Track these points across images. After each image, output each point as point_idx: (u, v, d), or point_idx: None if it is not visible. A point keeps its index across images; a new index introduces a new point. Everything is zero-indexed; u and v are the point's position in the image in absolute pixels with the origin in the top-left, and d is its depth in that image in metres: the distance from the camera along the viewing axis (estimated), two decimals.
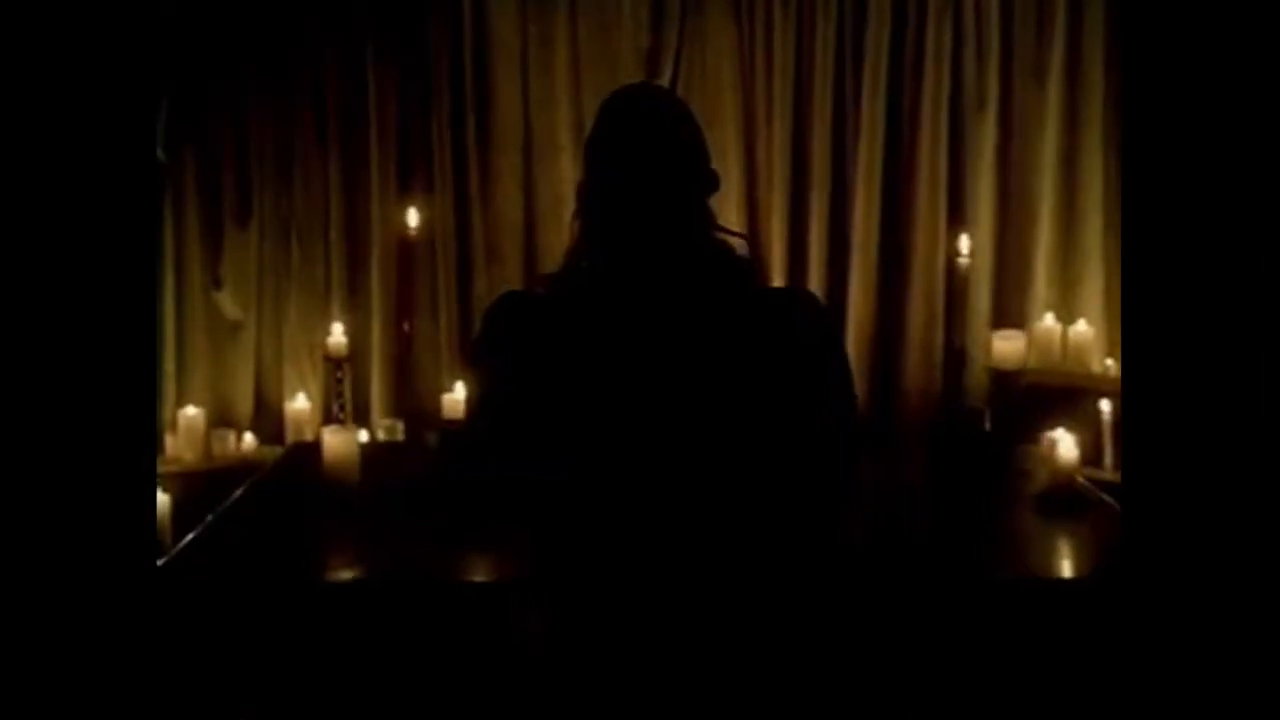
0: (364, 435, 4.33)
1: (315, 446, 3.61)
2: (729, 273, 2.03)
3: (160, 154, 4.87)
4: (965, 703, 2.86)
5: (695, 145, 2.06)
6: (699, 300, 1.98)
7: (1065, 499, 3.33)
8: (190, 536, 3.16)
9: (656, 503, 1.95)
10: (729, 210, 4.66)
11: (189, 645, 2.77)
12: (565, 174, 5.09)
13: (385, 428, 4.98)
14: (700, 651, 1.96)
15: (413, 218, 4.86)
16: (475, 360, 2.08)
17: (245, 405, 5.20)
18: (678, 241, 2.00)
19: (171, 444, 4.94)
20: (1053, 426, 3.66)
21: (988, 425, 3.45)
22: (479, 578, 2.94)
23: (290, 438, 4.99)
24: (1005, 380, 3.93)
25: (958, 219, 5.05)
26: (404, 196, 5.07)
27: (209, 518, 3.29)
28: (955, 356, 4.84)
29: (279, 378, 5.21)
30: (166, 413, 4.98)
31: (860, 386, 2.09)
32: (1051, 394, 4.57)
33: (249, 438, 5.07)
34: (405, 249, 4.99)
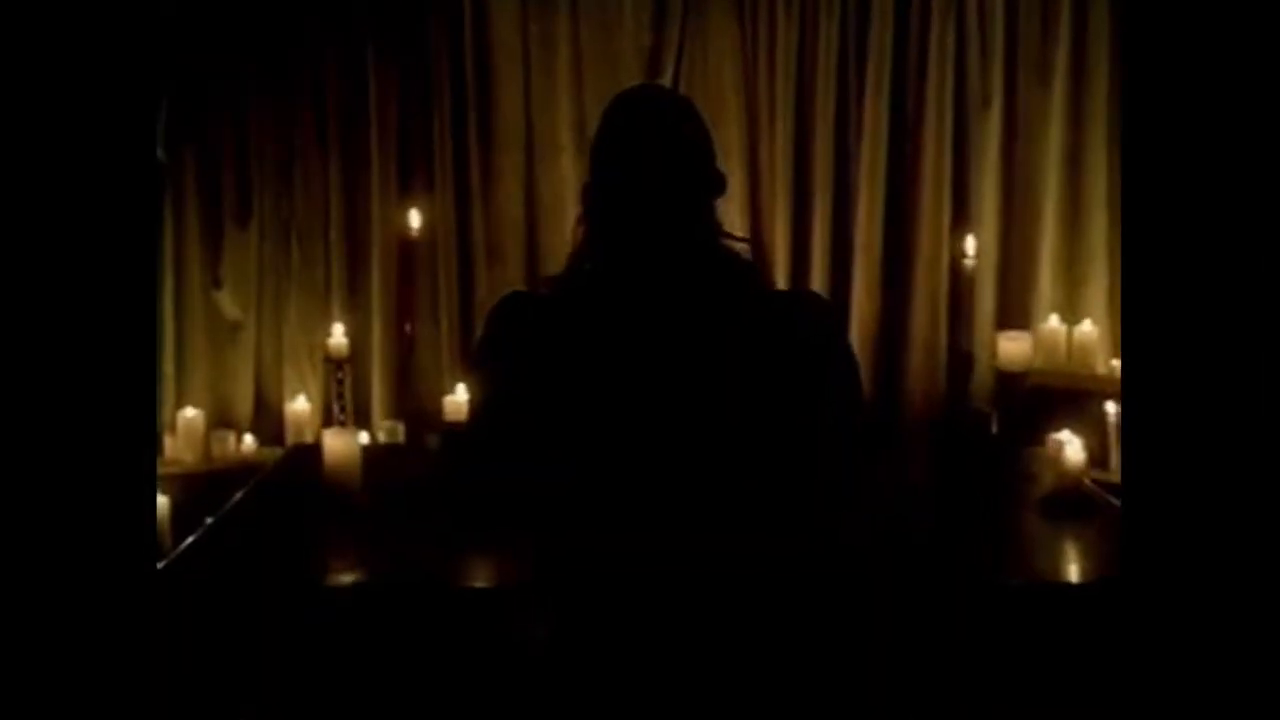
0: (364, 437, 4.31)
1: (316, 448, 3.61)
2: (732, 274, 2.02)
3: (160, 154, 4.87)
4: (967, 707, 2.86)
5: (699, 146, 2.05)
6: (701, 302, 1.97)
7: (1072, 502, 3.30)
8: (190, 539, 3.16)
9: (659, 504, 1.94)
10: (731, 211, 4.64)
11: (189, 649, 2.76)
12: (566, 173, 5.08)
13: (386, 429, 4.98)
14: (701, 654, 1.95)
15: (415, 219, 4.84)
16: (478, 362, 2.08)
17: (245, 406, 5.19)
18: (680, 243, 2.00)
19: (171, 445, 4.93)
20: (1058, 428, 3.64)
21: (994, 428, 3.42)
22: (481, 582, 2.94)
23: (290, 439, 4.99)
24: (1011, 382, 3.90)
25: (962, 219, 5.04)
26: (405, 197, 5.06)
27: (209, 520, 3.29)
28: (961, 358, 4.82)
29: (279, 379, 5.20)
30: (166, 414, 4.97)
31: (864, 387, 2.08)
32: (1056, 395, 4.55)
33: (249, 439, 5.06)
34: (406, 250, 4.98)
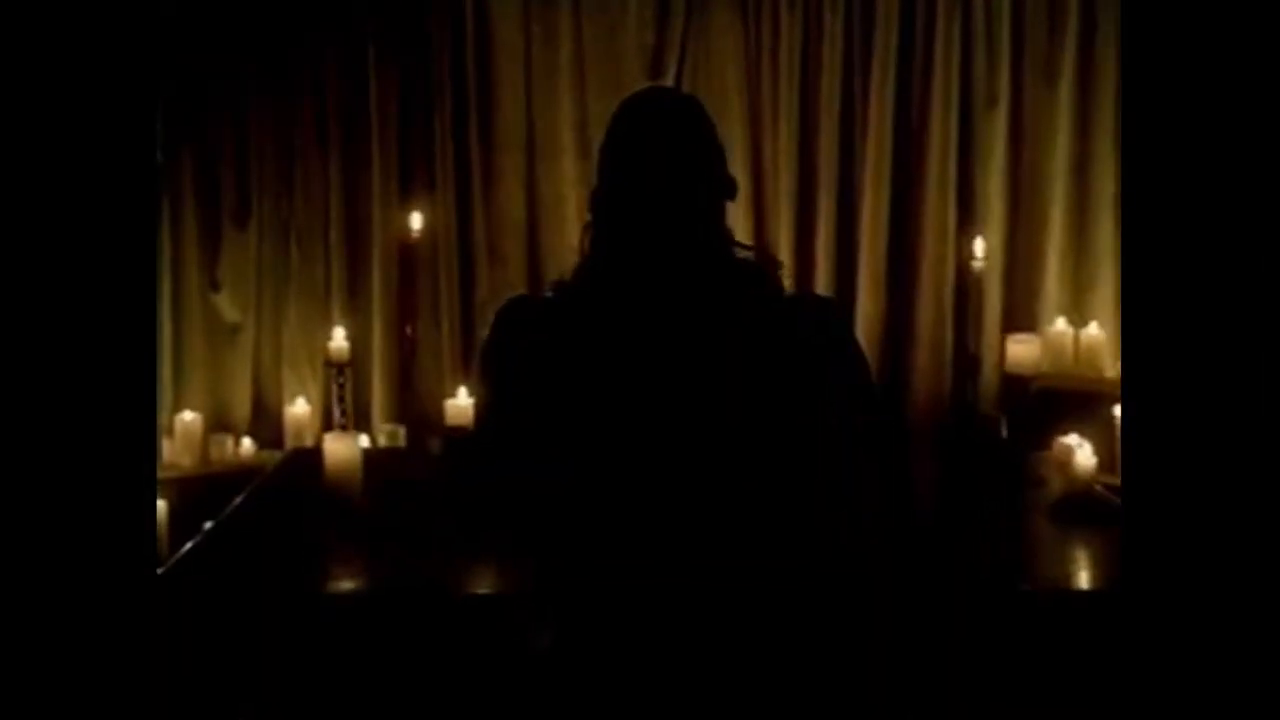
0: (364, 441, 4.29)
1: (315, 452, 3.62)
2: (738, 278, 2.01)
3: (158, 155, 4.83)
4: (974, 713, 2.84)
5: (707, 150, 2.04)
6: (704, 306, 1.97)
7: (1082, 507, 3.27)
8: (189, 545, 3.14)
9: (661, 506, 1.94)
10: (734, 212, 4.57)
11: (187, 657, 2.74)
12: (568, 174, 5.09)
13: (386, 433, 4.96)
14: (702, 660, 1.95)
15: (416, 221, 4.81)
16: (483, 366, 2.07)
17: (243, 409, 5.18)
18: (687, 248, 1.99)
19: (169, 449, 4.91)
20: (1065, 432, 3.62)
21: (1004, 432, 3.40)
22: (484, 589, 2.92)
23: (289, 443, 4.97)
24: (1019, 385, 3.88)
25: (967, 220, 5.03)
26: (406, 199, 5.05)
27: (207, 525, 3.29)
28: (970, 362, 4.80)
29: (278, 381, 5.20)
30: (163, 417, 4.95)
31: (874, 389, 2.08)
32: (1063, 399, 4.51)
33: (247, 443, 5.05)
34: (407, 251, 4.96)
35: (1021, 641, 2.85)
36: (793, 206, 5.08)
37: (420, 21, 5.08)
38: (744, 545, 1.96)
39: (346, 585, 2.99)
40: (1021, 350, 4.05)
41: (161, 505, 4.10)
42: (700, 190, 2.01)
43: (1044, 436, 3.84)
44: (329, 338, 4.66)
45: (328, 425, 4.82)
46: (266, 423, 5.16)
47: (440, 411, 4.08)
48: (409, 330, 5.00)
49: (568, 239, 4.92)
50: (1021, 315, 5.06)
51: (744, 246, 2.07)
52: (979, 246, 4.55)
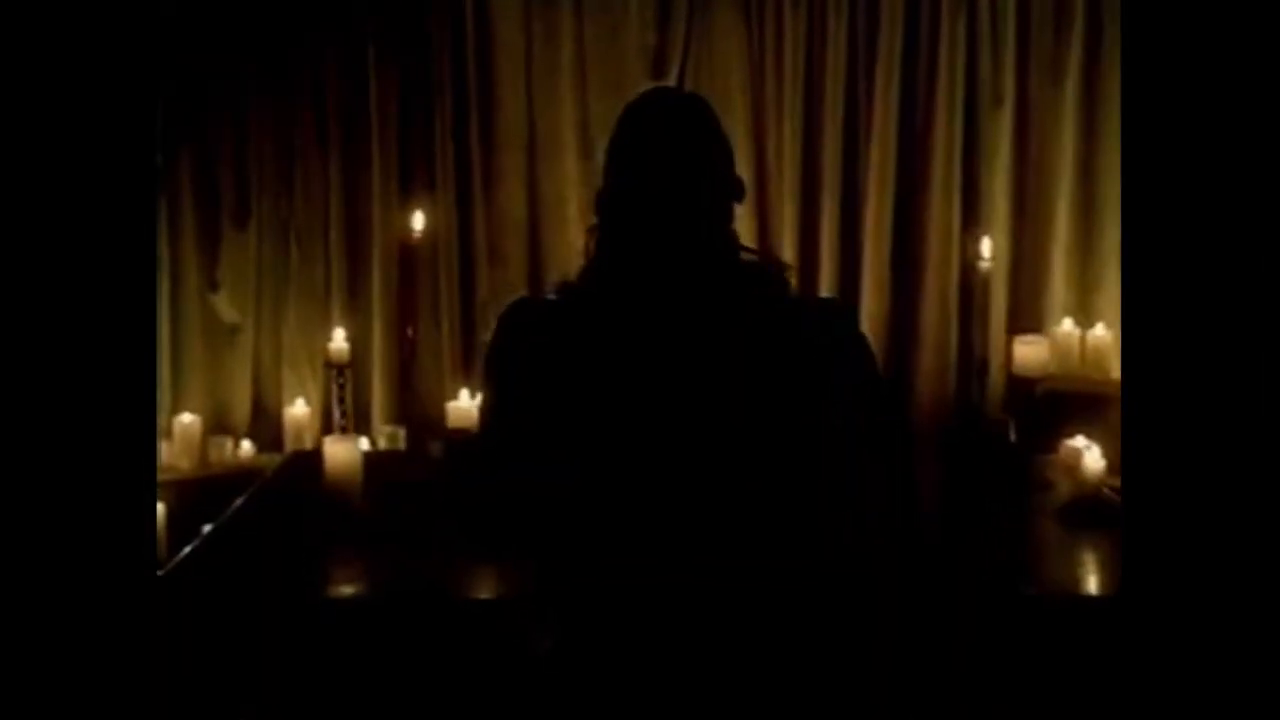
0: (364, 443, 4.27)
1: (315, 455, 3.61)
2: (745, 280, 2.00)
3: (158, 156, 4.82)
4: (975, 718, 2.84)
5: (714, 152, 2.03)
6: (708, 307, 1.96)
7: (1091, 511, 3.25)
8: (188, 549, 3.15)
9: (664, 507, 1.93)
10: (738, 213, 4.59)
11: (186, 663, 2.73)
12: (570, 173, 5.07)
13: (386, 435, 4.95)
14: (706, 660, 1.94)
15: (418, 221, 4.80)
16: (487, 369, 2.05)
17: (243, 411, 5.16)
18: (692, 250, 1.98)
19: (167, 451, 4.88)
20: (1071, 435, 3.59)
21: (1012, 435, 3.37)
22: (485, 593, 2.92)
23: (289, 444, 4.95)
24: (1026, 387, 3.86)
25: (972, 220, 5.02)
26: (407, 199, 5.03)
27: (206, 529, 3.30)
28: (977, 364, 4.79)
29: (277, 383, 5.17)
30: (162, 419, 4.91)
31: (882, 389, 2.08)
32: (1069, 401, 4.48)
33: (246, 445, 5.03)
34: (407, 252, 4.95)
35: (1028, 647, 2.83)
36: (796, 208, 5.06)
37: (420, 21, 5.06)
38: (748, 546, 1.94)
39: (347, 589, 2.99)
40: (1029, 352, 4.03)
41: (160, 508, 4.06)
42: (706, 192, 2.00)
43: (1050, 439, 3.81)
44: (329, 339, 4.67)
45: (327, 427, 4.80)
46: (266, 424, 5.13)
47: (441, 413, 4.08)
48: (410, 331, 4.98)
49: (569, 239, 4.93)
50: (1027, 316, 5.04)
51: (750, 250, 2.05)
52: (986, 247, 4.53)
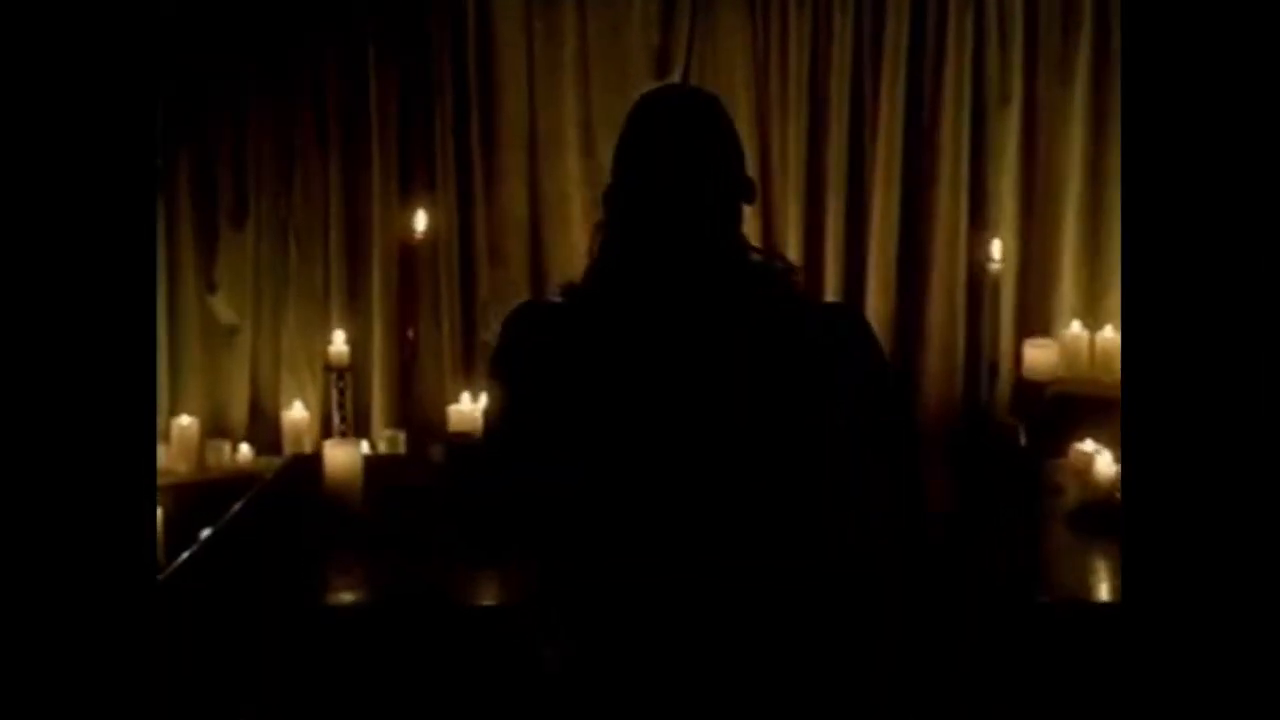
0: (364, 447, 4.24)
1: (315, 459, 3.58)
2: (747, 280, 1.99)
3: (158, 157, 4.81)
4: None
5: (720, 150, 2.02)
6: (713, 308, 1.96)
7: (1103, 516, 3.21)
8: (186, 554, 3.13)
9: (669, 507, 1.93)
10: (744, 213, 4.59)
11: (184, 672, 2.70)
12: (572, 172, 5.07)
13: (386, 439, 4.95)
14: (712, 660, 1.94)
15: (420, 221, 4.77)
16: (493, 373, 2.04)
17: (241, 414, 5.15)
18: (699, 250, 1.97)
19: (164, 454, 4.86)
20: (1080, 438, 3.56)
21: (1022, 439, 3.35)
22: (488, 599, 2.91)
23: (287, 448, 4.94)
24: (1036, 391, 3.83)
25: (979, 220, 5.02)
26: (407, 199, 5.01)
27: (205, 533, 3.27)
28: (987, 368, 4.77)
29: (276, 385, 5.16)
30: (159, 421, 4.90)
31: (890, 390, 2.09)
32: (1078, 404, 4.46)
33: (244, 448, 5.02)
34: (407, 252, 4.94)
35: (1038, 654, 2.81)
36: (801, 207, 5.05)
37: (420, 21, 5.06)
38: (752, 545, 1.94)
39: (346, 594, 2.98)
40: (1039, 355, 4.00)
41: (157, 512, 4.06)
42: (712, 192, 1.98)
43: (1059, 443, 3.78)
44: (328, 341, 4.63)
45: (326, 430, 4.79)
46: (264, 428, 5.12)
47: (442, 417, 4.06)
48: (410, 333, 4.96)
49: (571, 238, 4.93)
50: (1034, 318, 5.04)
51: (758, 250, 2.04)
52: (996, 248, 4.50)
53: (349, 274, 5.12)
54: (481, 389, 3.44)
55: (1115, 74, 4.93)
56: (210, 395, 5.10)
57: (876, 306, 5.02)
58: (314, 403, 5.08)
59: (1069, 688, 2.77)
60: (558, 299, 2.02)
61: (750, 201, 2.02)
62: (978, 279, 4.85)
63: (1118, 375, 4.76)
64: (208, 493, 4.39)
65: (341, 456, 3.34)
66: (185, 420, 4.92)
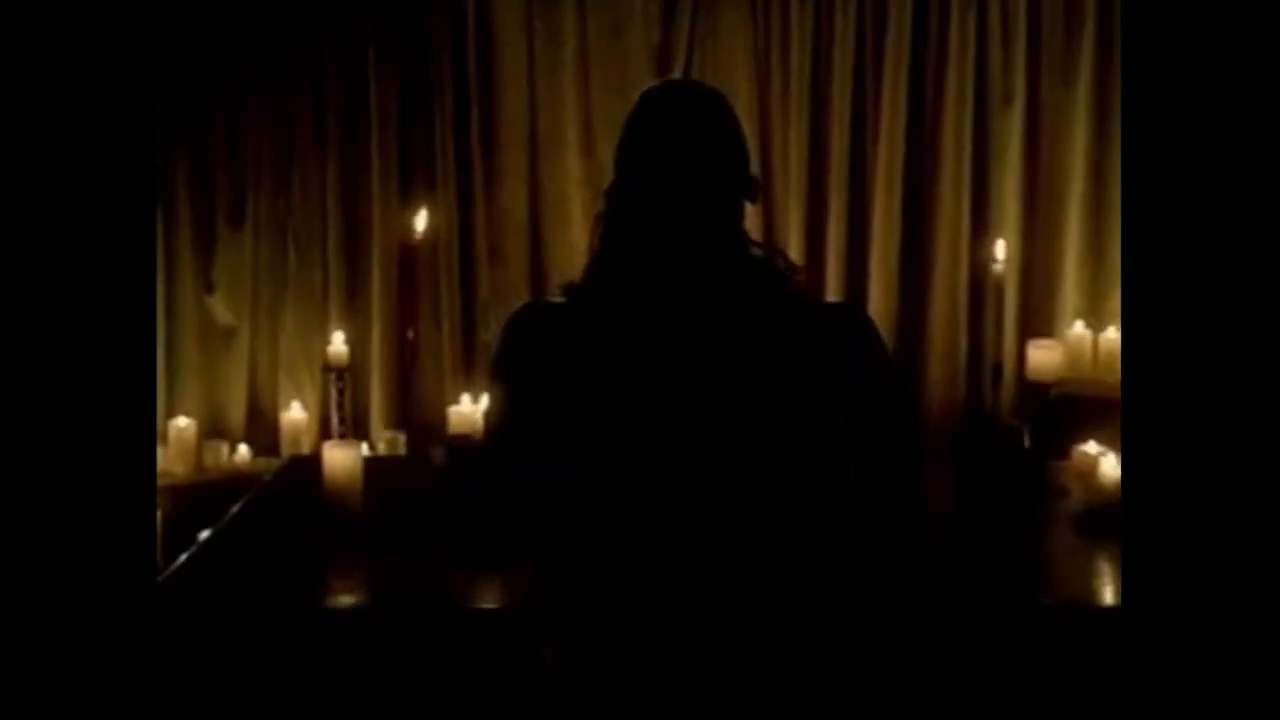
0: (364, 448, 4.23)
1: (314, 460, 3.57)
2: (748, 279, 1.98)
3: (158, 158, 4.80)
4: None
5: (724, 147, 1.99)
6: (714, 307, 1.95)
7: (1109, 519, 3.19)
8: (184, 556, 3.10)
9: (670, 507, 1.92)
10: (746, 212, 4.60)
11: (182, 676, 2.68)
12: (572, 172, 5.07)
13: (386, 440, 4.95)
14: (713, 660, 1.93)
15: (420, 221, 4.75)
16: (494, 375, 2.04)
17: (239, 415, 5.14)
18: (697, 247, 1.96)
19: (162, 456, 4.86)
20: (1084, 440, 3.54)
21: (1025, 441, 3.33)
22: (489, 602, 2.89)
23: (286, 450, 4.93)
24: (1039, 392, 3.81)
25: (982, 221, 5.02)
26: (407, 199, 5.01)
27: (203, 535, 3.24)
28: (990, 369, 4.78)
29: (274, 386, 5.16)
30: (157, 423, 4.86)
31: (893, 390, 2.09)
32: (1081, 405, 4.45)
33: (243, 449, 5.01)
34: (407, 253, 4.93)
35: (1041, 658, 2.80)
36: (803, 208, 5.05)
37: (420, 21, 5.06)
38: (752, 545, 1.93)
39: (346, 597, 2.96)
40: (1042, 356, 3.99)
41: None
42: (713, 189, 1.96)
43: (1062, 444, 3.76)
44: (327, 342, 4.63)
45: (325, 432, 4.77)
46: (262, 429, 5.11)
47: (442, 418, 4.05)
48: (410, 334, 4.95)
49: (571, 238, 4.92)
50: (1038, 319, 5.03)
51: (761, 246, 2.02)
52: (1000, 249, 4.48)
53: (348, 274, 5.11)
54: (482, 390, 3.43)
55: (1118, 74, 4.92)
56: (208, 396, 5.10)
57: (879, 307, 5.01)
58: (313, 404, 5.07)
59: (1070, 691, 2.76)
60: (558, 299, 2.01)
61: (754, 199, 2.00)
62: (980, 280, 4.85)
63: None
64: (206, 494, 4.37)
65: (341, 458, 3.32)
66: (183, 421, 4.90)
